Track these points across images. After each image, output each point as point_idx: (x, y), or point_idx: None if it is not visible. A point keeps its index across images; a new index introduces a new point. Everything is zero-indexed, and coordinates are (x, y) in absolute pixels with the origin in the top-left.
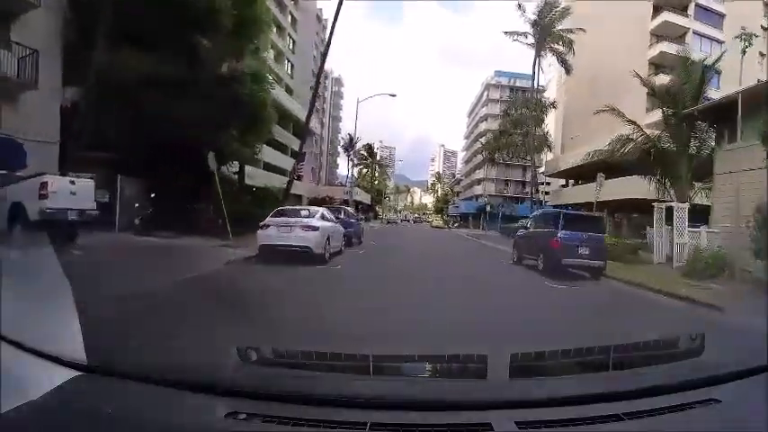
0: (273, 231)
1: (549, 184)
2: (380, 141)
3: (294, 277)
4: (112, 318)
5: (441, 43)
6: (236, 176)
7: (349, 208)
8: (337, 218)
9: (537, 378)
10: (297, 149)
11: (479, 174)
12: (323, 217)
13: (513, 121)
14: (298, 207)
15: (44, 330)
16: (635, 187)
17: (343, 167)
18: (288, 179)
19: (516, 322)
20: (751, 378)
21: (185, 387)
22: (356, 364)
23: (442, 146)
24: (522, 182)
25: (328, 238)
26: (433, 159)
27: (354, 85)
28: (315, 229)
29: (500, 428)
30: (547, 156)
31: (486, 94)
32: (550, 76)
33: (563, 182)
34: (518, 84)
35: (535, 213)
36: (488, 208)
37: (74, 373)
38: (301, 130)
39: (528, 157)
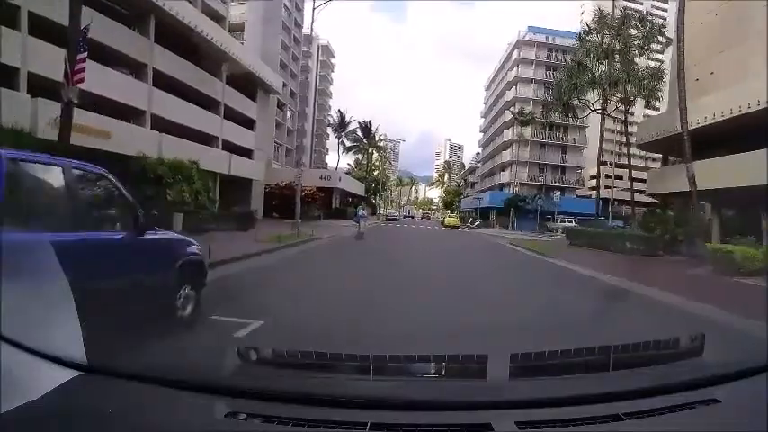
0: None
1: (579, 169)
2: (385, 135)
3: None
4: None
5: (443, 39)
6: None
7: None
8: None
9: (537, 378)
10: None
11: (506, 156)
12: None
13: (602, 50)
14: None
15: (44, 330)
16: None
17: (334, 153)
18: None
19: None
20: (751, 378)
21: (185, 387)
22: (356, 365)
23: (448, 140)
24: (560, 167)
25: None
26: (438, 154)
27: (352, 82)
28: None
29: (500, 428)
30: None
31: (516, 54)
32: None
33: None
34: (557, 42)
35: None
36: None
37: (74, 373)
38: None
39: (619, 106)
